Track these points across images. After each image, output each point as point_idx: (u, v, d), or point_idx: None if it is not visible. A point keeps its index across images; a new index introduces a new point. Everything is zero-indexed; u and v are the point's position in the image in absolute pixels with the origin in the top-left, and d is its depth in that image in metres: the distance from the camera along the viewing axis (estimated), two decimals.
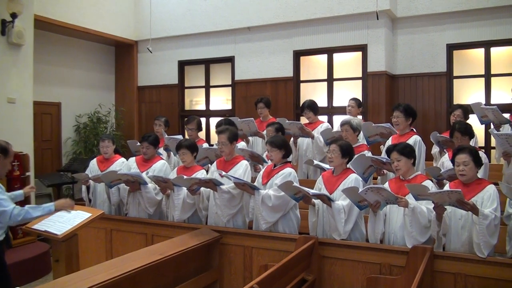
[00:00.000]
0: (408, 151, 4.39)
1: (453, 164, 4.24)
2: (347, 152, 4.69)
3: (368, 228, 4.43)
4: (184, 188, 5.21)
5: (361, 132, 6.09)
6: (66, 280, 3.49)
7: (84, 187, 6.19)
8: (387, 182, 4.64)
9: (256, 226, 4.99)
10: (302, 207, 5.03)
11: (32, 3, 7.65)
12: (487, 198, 3.98)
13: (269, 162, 5.18)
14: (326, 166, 5.25)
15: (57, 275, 4.16)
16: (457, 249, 4.08)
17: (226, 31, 9.80)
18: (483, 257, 3.84)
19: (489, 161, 6.11)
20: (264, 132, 6.57)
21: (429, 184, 4.25)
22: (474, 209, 3.83)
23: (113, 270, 3.63)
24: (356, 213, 4.46)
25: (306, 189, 4.46)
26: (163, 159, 6.21)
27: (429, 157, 6.50)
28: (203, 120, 9.11)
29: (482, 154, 4.41)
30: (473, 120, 6.09)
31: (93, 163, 6.39)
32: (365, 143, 6.11)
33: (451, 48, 8.35)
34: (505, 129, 5.71)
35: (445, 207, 3.97)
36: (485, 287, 3.86)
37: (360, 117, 7.20)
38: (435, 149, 6.31)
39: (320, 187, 4.80)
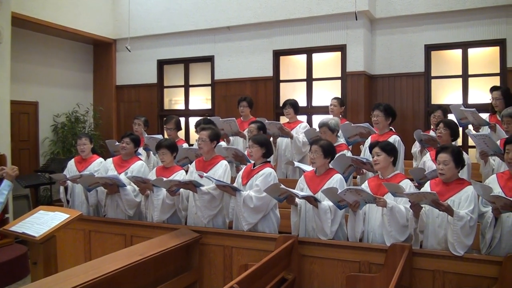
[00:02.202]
0: (389, 149, 4.42)
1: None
2: (329, 152, 4.69)
3: (347, 227, 4.46)
4: (163, 189, 5.19)
5: (340, 130, 6.13)
6: (45, 282, 3.44)
7: (62, 188, 6.11)
8: (366, 181, 4.68)
9: (236, 226, 4.98)
10: (282, 206, 5.04)
11: (9, 0, 7.49)
12: (464, 199, 4.01)
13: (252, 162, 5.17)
14: (307, 167, 5.24)
15: (35, 277, 4.09)
16: (434, 247, 4.12)
17: (205, 30, 9.76)
18: (460, 254, 3.89)
19: None
20: (245, 131, 6.56)
21: (407, 183, 4.30)
22: (448, 210, 3.87)
23: (92, 272, 3.59)
24: (341, 213, 4.48)
25: (295, 191, 4.48)
26: (141, 159, 6.14)
27: (408, 156, 6.57)
28: (182, 119, 9.08)
29: (465, 155, 4.45)
30: None
31: (71, 163, 6.30)
32: (344, 141, 6.13)
33: (429, 48, 8.46)
34: (484, 130, 5.76)
35: (422, 205, 4.02)
36: (463, 284, 3.92)
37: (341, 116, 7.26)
38: (415, 148, 6.37)
39: (302, 187, 4.80)
